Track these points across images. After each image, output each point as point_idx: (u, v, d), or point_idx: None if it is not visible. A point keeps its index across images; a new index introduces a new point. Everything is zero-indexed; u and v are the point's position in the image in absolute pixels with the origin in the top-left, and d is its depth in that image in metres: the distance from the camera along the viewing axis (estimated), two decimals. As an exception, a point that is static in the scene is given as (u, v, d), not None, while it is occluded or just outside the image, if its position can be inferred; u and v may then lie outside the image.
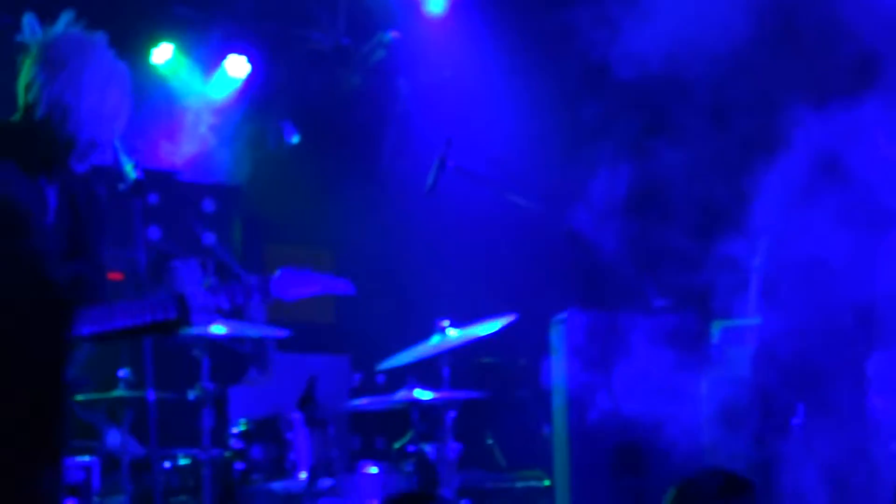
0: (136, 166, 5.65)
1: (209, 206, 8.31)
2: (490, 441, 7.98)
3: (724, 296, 6.91)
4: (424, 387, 6.04)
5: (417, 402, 6.03)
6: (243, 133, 9.45)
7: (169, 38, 9.08)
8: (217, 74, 9.35)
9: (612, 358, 7.12)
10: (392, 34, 9.37)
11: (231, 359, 7.45)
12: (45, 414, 3.34)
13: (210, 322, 5.40)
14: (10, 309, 3.05)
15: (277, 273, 4.99)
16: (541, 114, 8.54)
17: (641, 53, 5.85)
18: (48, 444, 3.42)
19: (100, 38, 3.88)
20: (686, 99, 6.02)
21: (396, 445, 6.40)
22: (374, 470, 6.20)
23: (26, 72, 3.76)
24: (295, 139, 9.49)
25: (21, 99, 3.76)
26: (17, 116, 3.76)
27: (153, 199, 7.76)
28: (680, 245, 6.00)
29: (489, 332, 6.06)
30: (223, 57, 9.31)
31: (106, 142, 3.88)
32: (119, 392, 6.04)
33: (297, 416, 5.96)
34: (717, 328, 7.35)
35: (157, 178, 7.90)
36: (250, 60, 9.36)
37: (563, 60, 7.96)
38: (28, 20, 3.76)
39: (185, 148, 9.03)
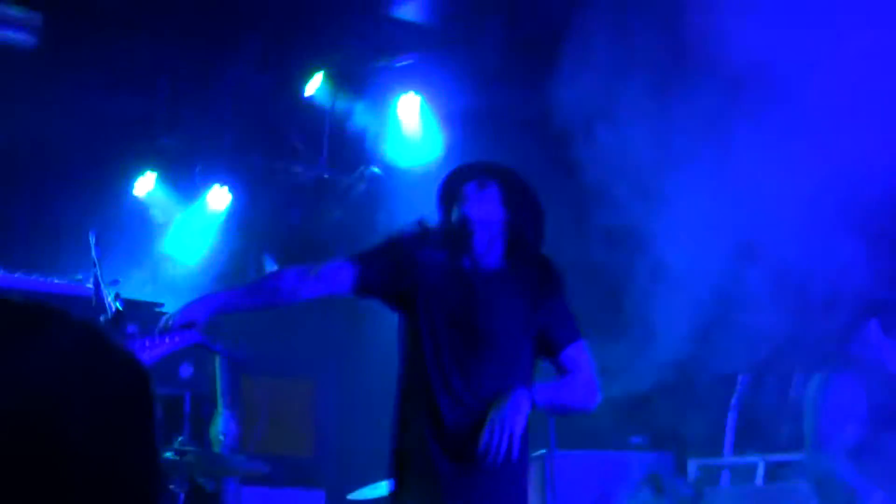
0: (116, 297, 5.66)
1: (189, 337, 8.25)
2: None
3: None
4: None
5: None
6: (223, 265, 9.45)
7: (152, 167, 9.15)
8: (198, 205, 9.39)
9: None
10: (373, 168, 9.44)
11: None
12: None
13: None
14: None
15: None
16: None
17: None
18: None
19: None
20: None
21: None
22: None
23: None
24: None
25: None
26: None
27: (132, 329, 7.71)
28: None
29: None
30: (205, 188, 9.38)
31: None
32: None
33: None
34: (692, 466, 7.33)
35: (138, 309, 7.86)
36: (231, 191, 9.42)
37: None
38: None
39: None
